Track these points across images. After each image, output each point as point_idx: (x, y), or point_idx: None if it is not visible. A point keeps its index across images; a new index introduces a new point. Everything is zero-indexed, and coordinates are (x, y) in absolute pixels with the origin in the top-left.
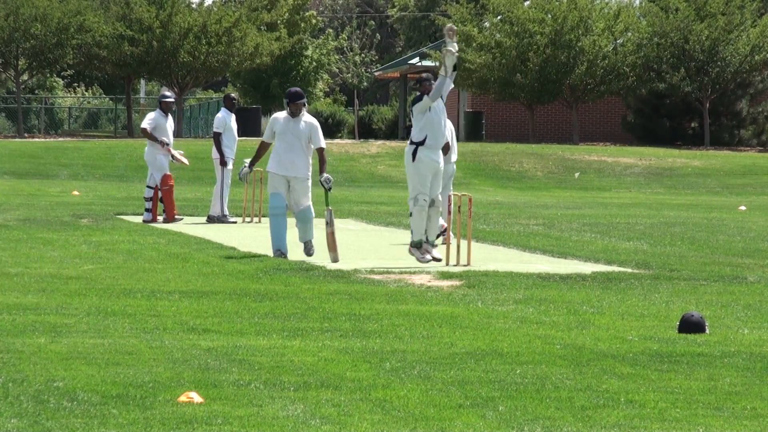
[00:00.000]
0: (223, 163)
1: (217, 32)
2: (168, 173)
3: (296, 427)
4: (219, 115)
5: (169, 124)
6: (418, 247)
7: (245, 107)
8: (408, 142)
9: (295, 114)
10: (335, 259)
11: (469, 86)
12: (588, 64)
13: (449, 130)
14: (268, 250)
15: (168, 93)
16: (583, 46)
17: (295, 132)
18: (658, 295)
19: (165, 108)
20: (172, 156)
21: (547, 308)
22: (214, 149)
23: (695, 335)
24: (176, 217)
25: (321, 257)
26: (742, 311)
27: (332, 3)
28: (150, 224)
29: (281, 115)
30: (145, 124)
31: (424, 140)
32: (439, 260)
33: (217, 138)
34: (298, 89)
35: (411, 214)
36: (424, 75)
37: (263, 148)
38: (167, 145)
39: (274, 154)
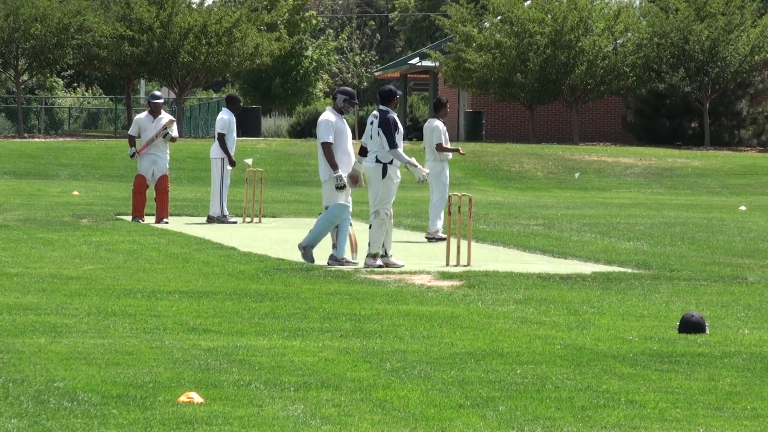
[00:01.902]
0: (233, 164)
1: (218, 32)
2: (139, 174)
3: (296, 428)
4: (224, 116)
5: (155, 124)
6: (374, 257)
7: (245, 107)
8: (374, 158)
9: (345, 113)
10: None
11: (469, 86)
12: (588, 65)
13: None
14: (268, 250)
15: (157, 93)
16: (583, 46)
17: (347, 131)
18: (658, 296)
19: (153, 108)
20: (165, 135)
21: (547, 308)
22: (213, 149)
23: (695, 335)
24: (137, 218)
25: (321, 258)
26: (743, 311)
27: (332, 3)
28: (150, 225)
29: (332, 115)
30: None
31: (392, 160)
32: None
33: (222, 139)
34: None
35: (370, 226)
36: (388, 88)
37: (332, 150)
38: (134, 156)
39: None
